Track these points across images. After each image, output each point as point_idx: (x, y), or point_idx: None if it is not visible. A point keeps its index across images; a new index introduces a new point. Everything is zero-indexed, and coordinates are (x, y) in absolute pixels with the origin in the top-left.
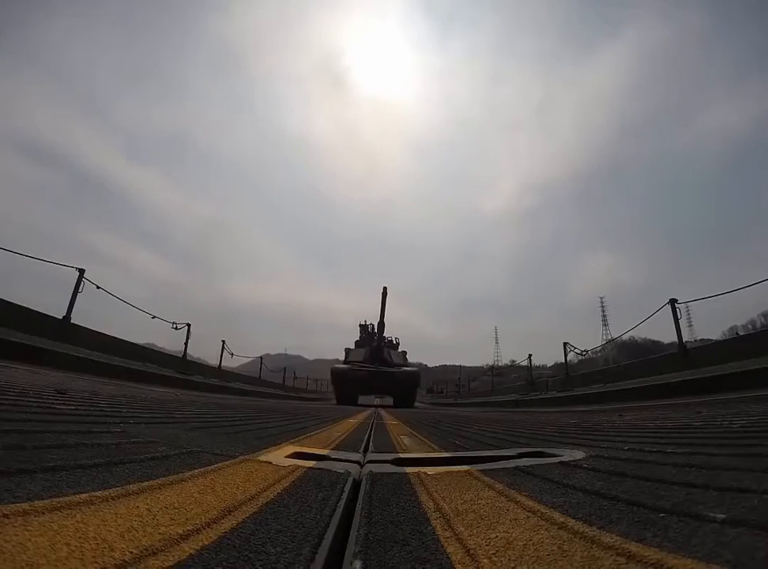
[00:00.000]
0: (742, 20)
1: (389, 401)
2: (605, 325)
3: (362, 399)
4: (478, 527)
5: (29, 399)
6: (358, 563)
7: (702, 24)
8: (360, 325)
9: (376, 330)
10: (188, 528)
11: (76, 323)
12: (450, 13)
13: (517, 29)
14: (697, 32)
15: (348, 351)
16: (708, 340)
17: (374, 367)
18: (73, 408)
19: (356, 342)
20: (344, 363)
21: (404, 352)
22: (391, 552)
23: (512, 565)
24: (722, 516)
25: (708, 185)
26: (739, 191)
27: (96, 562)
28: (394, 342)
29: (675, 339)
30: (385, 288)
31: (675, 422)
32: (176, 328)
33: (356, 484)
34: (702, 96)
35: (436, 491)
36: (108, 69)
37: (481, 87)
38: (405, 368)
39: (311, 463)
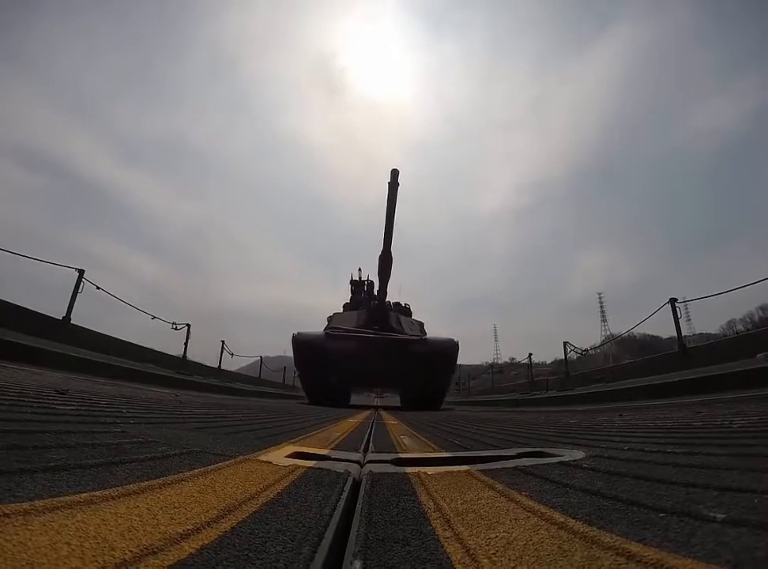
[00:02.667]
0: (736, 14)
1: (397, 400)
2: (604, 321)
3: (353, 398)
4: (478, 527)
5: (29, 399)
6: (358, 563)
7: (697, 20)
8: (353, 282)
9: (377, 287)
10: (188, 527)
11: (76, 324)
12: (444, 13)
13: (512, 28)
14: (691, 27)
15: (332, 318)
16: (706, 334)
17: (373, 333)
18: (73, 408)
19: (345, 305)
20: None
21: (422, 323)
22: (391, 551)
23: (512, 565)
24: (722, 516)
25: (702, 181)
26: (734, 187)
27: (97, 561)
28: (403, 305)
29: (674, 333)
30: (395, 173)
31: (675, 422)
32: (176, 328)
33: (356, 484)
34: (696, 92)
35: (436, 491)
36: (103, 74)
37: (477, 86)
38: (429, 338)
39: (311, 463)
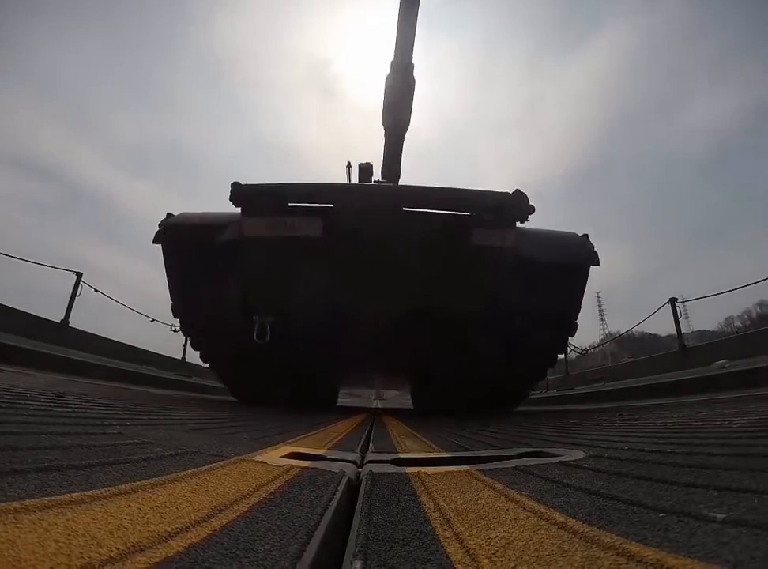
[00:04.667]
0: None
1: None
2: (602, 320)
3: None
4: (478, 527)
5: (26, 402)
6: (358, 563)
7: (691, 16)
8: None
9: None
10: (177, 526)
11: (74, 327)
12: (438, 13)
13: (504, 30)
14: (686, 23)
15: None
16: (704, 331)
17: (378, 184)
18: (70, 410)
19: None
20: None
21: None
22: (391, 552)
23: (512, 565)
24: (722, 516)
25: (700, 179)
26: (727, 181)
27: (83, 557)
28: None
29: (672, 331)
30: None
31: (675, 422)
32: (175, 330)
33: (355, 484)
34: (691, 88)
35: (436, 491)
36: (98, 85)
37: (472, 88)
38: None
39: (306, 463)
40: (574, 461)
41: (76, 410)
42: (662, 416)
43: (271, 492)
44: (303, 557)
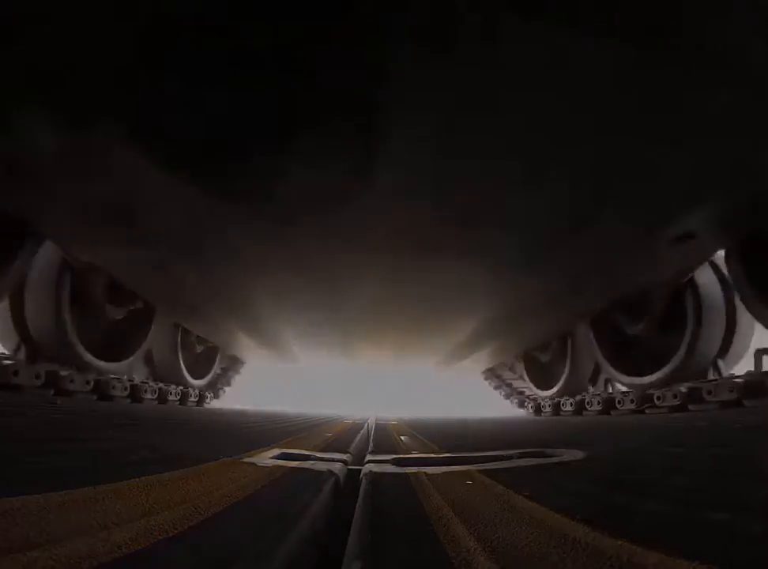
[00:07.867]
0: None
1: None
2: None
3: None
4: (478, 527)
5: (21, 408)
6: (358, 564)
7: None
8: None
9: None
10: (157, 523)
11: None
12: None
13: None
14: None
15: None
16: None
17: None
18: (65, 416)
19: None
20: None
21: None
22: (390, 552)
23: (511, 565)
24: (722, 516)
25: None
26: None
27: (65, 554)
28: None
29: None
30: None
31: (675, 422)
32: None
33: (344, 484)
34: None
35: (436, 491)
36: None
37: None
38: None
39: (295, 463)
40: (574, 461)
41: (71, 417)
42: (662, 416)
43: (255, 491)
44: (277, 553)
